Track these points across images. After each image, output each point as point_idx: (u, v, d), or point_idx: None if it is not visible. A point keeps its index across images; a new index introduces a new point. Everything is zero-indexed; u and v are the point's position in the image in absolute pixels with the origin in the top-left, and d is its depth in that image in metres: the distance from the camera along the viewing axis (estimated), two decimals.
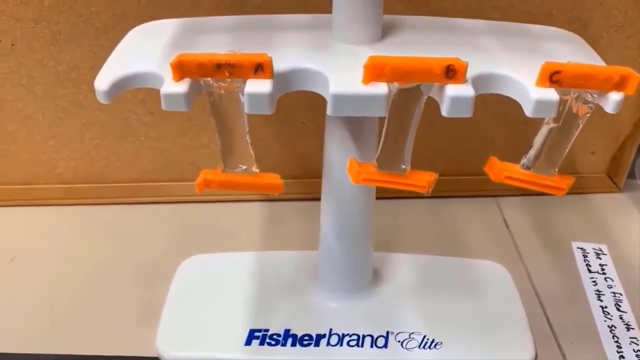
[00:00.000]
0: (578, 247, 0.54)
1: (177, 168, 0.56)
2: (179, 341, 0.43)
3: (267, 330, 0.43)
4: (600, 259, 0.53)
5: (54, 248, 0.52)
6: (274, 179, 0.34)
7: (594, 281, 0.51)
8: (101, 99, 0.31)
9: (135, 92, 0.50)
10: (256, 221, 0.56)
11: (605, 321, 0.47)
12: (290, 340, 0.43)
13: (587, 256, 0.53)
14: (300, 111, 0.53)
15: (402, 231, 0.55)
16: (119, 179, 0.56)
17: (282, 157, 0.56)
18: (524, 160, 0.33)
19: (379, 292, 0.46)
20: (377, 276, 0.47)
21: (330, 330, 0.43)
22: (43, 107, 0.51)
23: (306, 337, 0.43)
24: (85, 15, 0.46)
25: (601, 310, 0.48)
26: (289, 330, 0.43)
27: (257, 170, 0.34)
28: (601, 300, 0.49)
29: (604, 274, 0.51)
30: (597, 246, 0.54)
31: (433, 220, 0.57)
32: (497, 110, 0.53)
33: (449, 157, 0.58)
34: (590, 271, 0.52)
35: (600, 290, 0.50)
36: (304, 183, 0.57)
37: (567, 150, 0.33)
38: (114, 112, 0.52)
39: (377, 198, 0.42)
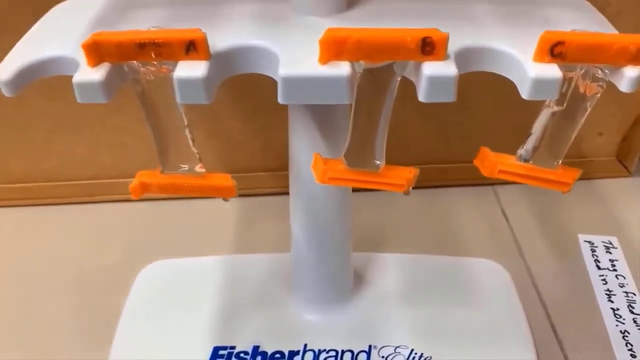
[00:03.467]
0: (585, 241, 0.50)
1: (137, 163, 0.51)
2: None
3: (233, 348, 0.39)
4: (611, 253, 0.49)
5: (4, 251, 0.48)
6: (224, 179, 0.29)
7: (604, 279, 0.46)
8: (5, 91, 0.26)
9: None
10: (227, 220, 0.51)
11: (617, 325, 0.43)
12: (259, 359, 0.38)
13: (595, 250, 0.49)
14: (273, 97, 0.47)
15: (387, 227, 0.50)
16: (74, 176, 0.52)
17: (255, 148, 0.52)
18: (521, 151, 0.28)
19: (360, 300, 0.42)
20: (358, 281, 0.43)
21: (305, 346, 0.39)
22: None
23: (277, 355, 0.39)
24: None
25: (612, 313, 0.44)
26: (257, 347, 0.39)
27: (203, 170, 0.28)
28: (612, 302, 0.45)
29: (615, 270, 0.47)
30: (606, 239, 0.50)
31: (423, 214, 0.52)
32: (493, 88, 0.48)
33: (440, 142, 0.53)
34: (599, 268, 0.47)
35: (610, 289, 0.46)
36: (280, 176, 0.52)
37: (573, 138, 0.27)
38: (64, 103, 0.47)
39: (356, 190, 0.36)
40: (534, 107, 0.27)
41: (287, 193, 0.51)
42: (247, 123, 0.50)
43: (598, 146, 0.55)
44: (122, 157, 0.51)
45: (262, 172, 0.52)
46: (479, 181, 0.54)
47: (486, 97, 0.50)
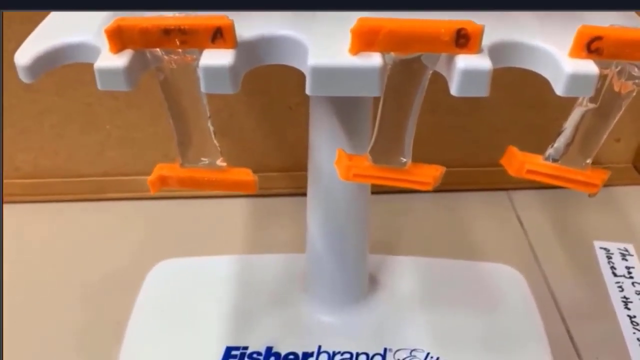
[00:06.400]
0: (601, 247, 0.49)
1: (148, 160, 0.50)
2: None
3: (246, 348, 0.38)
4: (627, 260, 0.48)
5: (11, 249, 0.47)
6: (246, 174, 0.28)
7: (620, 286, 0.45)
8: (24, 77, 0.25)
9: None
10: (239, 220, 0.51)
11: (634, 333, 0.42)
12: None
13: (611, 257, 0.48)
14: (287, 93, 0.47)
15: (402, 230, 0.50)
16: (83, 172, 0.51)
17: (267, 146, 0.51)
18: (550, 151, 0.27)
19: (375, 303, 0.41)
20: (373, 283, 0.42)
21: (319, 347, 0.38)
22: None
23: (291, 356, 0.38)
24: None
25: (629, 321, 0.43)
26: (271, 348, 0.38)
27: (224, 165, 0.28)
28: (629, 309, 0.44)
29: (631, 277, 0.46)
30: (622, 246, 0.49)
31: (438, 217, 0.51)
32: (509, 91, 0.48)
33: (454, 147, 0.53)
34: (615, 275, 0.46)
35: (627, 297, 0.45)
36: (293, 176, 0.52)
37: (605, 137, 0.27)
38: (74, 97, 0.46)
39: (374, 192, 0.36)
40: (550, 111, 0.26)
41: (299, 194, 0.50)
42: (259, 121, 0.49)
43: (615, 152, 0.54)
44: (133, 154, 0.50)
45: (274, 172, 0.52)
46: (493, 186, 0.54)
47: (500, 100, 0.49)
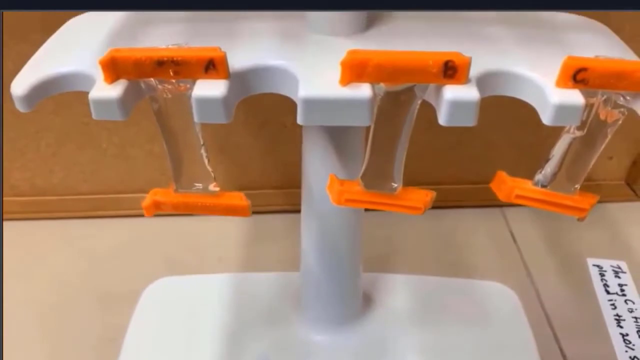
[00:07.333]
0: (594, 265, 0.49)
1: (145, 178, 0.50)
2: None
3: None
4: (620, 277, 0.48)
5: (7, 268, 0.47)
6: (238, 199, 0.28)
7: (613, 304, 0.45)
8: (20, 106, 0.25)
9: None
10: (235, 237, 0.51)
11: (626, 351, 0.42)
12: None
13: (604, 275, 0.48)
14: (282, 112, 0.47)
15: (396, 247, 0.50)
16: (80, 190, 0.51)
17: (263, 164, 0.51)
18: (538, 177, 0.28)
19: (369, 321, 0.41)
20: (367, 302, 0.42)
21: None
22: None
23: None
24: None
25: (622, 339, 0.43)
26: None
27: (217, 189, 0.28)
28: (621, 327, 0.44)
29: (624, 295, 0.46)
30: (615, 263, 0.49)
31: (431, 234, 0.52)
32: (503, 110, 0.48)
33: (448, 163, 0.53)
34: (608, 292, 0.46)
35: (620, 314, 0.45)
36: (289, 193, 0.52)
37: (592, 163, 0.27)
38: (71, 116, 0.47)
39: (366, 210, 0.36)
40: (543, 129, 0.27)
41: (294, 211, 0.50)
42: (255, 139, 0.49)
43: (608, 170, 0.54)
44: (129, 172, 0.51)
45: (270, 190, 0.52)
46: (487, 202, 0.54)
47: (494, 118, 0.49)
